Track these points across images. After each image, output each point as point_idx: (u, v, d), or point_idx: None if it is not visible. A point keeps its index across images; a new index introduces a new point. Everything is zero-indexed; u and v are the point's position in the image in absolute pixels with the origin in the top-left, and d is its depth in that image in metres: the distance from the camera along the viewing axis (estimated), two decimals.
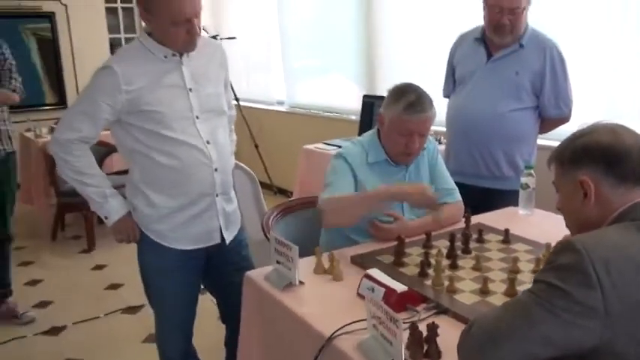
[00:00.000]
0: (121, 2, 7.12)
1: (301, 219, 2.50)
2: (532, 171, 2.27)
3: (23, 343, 3.12)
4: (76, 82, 6.91)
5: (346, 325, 1.41)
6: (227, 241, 2.08)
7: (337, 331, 1.40)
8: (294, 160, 4.26)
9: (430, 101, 2.03)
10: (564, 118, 2.62)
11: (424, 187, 2.00)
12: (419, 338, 1.30)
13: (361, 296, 1.59)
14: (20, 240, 4.75)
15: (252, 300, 1.79)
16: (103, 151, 4.95)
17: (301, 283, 1.69)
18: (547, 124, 2.66)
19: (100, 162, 4.91)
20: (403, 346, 1.23)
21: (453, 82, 2.78)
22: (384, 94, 4.27)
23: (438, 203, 2.01)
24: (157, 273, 2.04)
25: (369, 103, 3.95)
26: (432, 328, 1.30)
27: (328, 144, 3.91)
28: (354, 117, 4.76)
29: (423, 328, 1.31)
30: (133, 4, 7.15)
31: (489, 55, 2.60)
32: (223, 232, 2.06)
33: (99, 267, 4.20)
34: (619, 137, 1.19)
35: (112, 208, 1.98)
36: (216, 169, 1.98)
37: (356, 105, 4.75)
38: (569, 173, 1.23)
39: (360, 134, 3.94)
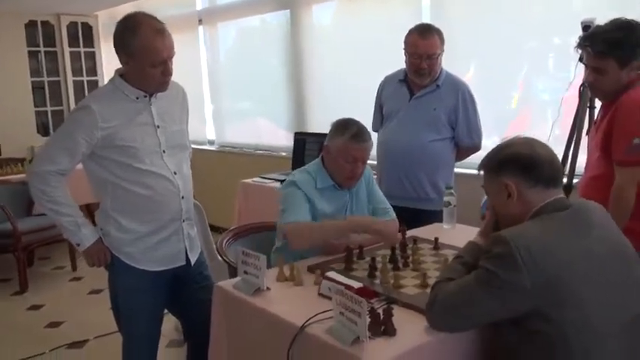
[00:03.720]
0: (43, 46, 7.11)
1: (251, 242, 2.75)
2: (452, 191, 2.66)
3: None
4: None
5: (315, 315, 1.67)
6: (192, 262, 2.28)
7: (308, 320, 1.65)
8: (228, 198, 4.48)
9: (368, 132, 2.38)
10: (476, 147, 3.06)
11: (387, 224, 2.35)
12: (377, 319, 1.59)
13: (322, 295, 1.86)
14: None
15: (222, 308, 2.00)
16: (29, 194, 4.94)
17: (268, 288, 1.93)
18: (462, 152, 3.09)
19: (30, 204, 4.90)
20: (366, 323, 1.51)
21: (380, 118, 3.16)
22: (315, 130, 4.63)
23: (397, 238, 2.29)
24: (127, 292, 2.20)
25: (301, 139, 4.28)
26: (388, 310, 1.59)
27: (265, 177, 4.18)
28: (284, 153, 5.07)
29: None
30: (56, 48, 7.18)
31: (411, 94, 3.01)
32: (189, 253, 2.27)
33: (35, 307, 4.16)
34: (534, 149, 1.58)
35: (84, 235, 2.14)
36: (182, 197, 2.21)
37: (286, 142, 5.08)
38: (496, 178, 1.59)
39: (293, 168, 4.27)
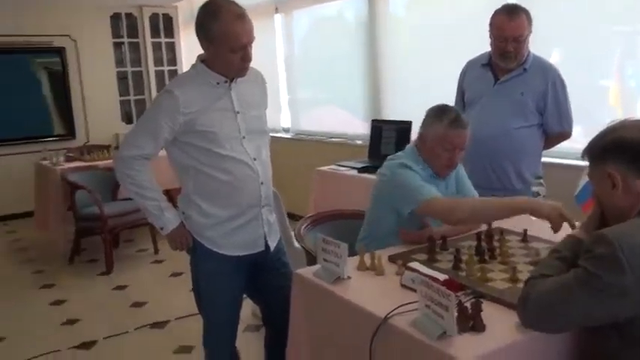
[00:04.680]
0: (127, 37, 7.39)
1: (329, 229, 2.71)
2: (542, 180, 2.51)
3: (59, 356, 3.26)
4: (85, 114, 7.13)
5: (400, 306, 1.62)
6: (271, 248, 2.29)
7: (391, 312, 1.61)
8: (304, 185, 4.48)
9: (466, 119, 2.27)
10: (566, 134, 2.89)
11: (560, 207, 1.98)
12: (465, 313, 1.51)
13: (405, 286, 1.81)
14: (38, 264, 4.93)
15: (301, 295, 1.99)
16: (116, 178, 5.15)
17: (348, 277, 1.90)
18: (550, 140, 2.92)
19: (115, 188, 5.13)
20: (454, 318, 1.44)
21: (462, 104, 3.04)
22: (391, 118, 4.55)
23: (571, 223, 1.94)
24: (208, 276, 2.23)
25: (378, 127, 4.21)
26: (477, 304, 1.52)
27: (340, 165, 4.15)
28: (360, 141, 5.01)
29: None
30: (139, 39, 7.44)
31: (496, 79, 2.87)
32: (268, 239, 2.27)
33: (120, 287, 4.35)
34: None
35: (167, 219, 2.18)
36: (262, 183, 2.21)
37: (362, 130, 5.03)
38: (599, 166, 1.47)
39: (369, 157, 4.22)
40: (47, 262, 5.01)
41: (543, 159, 2.98)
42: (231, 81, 2.15)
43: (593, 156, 1.50)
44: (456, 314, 1.46)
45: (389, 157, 2.42)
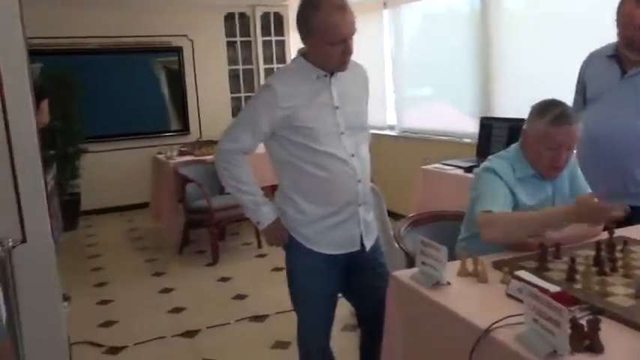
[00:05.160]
0: (240, 36, 7.62)
1: (430, 231, 2.58)
2: None
3: (164, 342, 3.40)
4: (199, 110, 7.45)
5: (504, 318, 1.47)
6: (367, 248, 2.21)
7: (494, 324, 1.47)
8: (407, 184, 4.35)
9: (575, 115, 2.07)
10: None
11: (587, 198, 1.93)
12: (580, 331, 1.34)
13: (510, 296, 1.66)
14: (151, 253, 5.20)
15: (397, 298, 1.89)
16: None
17: (448, 283, 1.77)
18: None
19: (221, 185, 5.28)
20: (567, 335, 1.28)
21: (582, 100, 2.78)
22: (502, 115, 4.32)
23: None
24: (302, 273, 2.19)
25: (488, 124, 3.99)
26: (595, 322, 1.34)
27: (446, 164, 3.98)
28: (468, 140, 4.80)
29: None
30: (251, 38, 7.65)
31: (623, 72, 2.59)
32: (364, 239, 2.19)
33: (224, 279, 4.48)
34: None
35: (263, 214, 2.17)
36: (359, 181, 2.13)
37: (469, 128, 4.81)
38: None
39: (478, 155, 4.00)
40: (159, 251, 5.28)
41: None
42: (331, 75, 2.09)
43: None
44: (569, 331, 1.30)
45: (491, 156, 2.26)
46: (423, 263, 1.84)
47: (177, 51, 7.23)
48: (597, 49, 2.76)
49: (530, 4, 4.46)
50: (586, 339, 1.34)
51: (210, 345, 3.34)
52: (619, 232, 2.11)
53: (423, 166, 4.09)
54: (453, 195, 3.55)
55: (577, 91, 2.82)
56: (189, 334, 3.49)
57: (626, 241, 1.93)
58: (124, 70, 6.98)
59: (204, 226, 4.99)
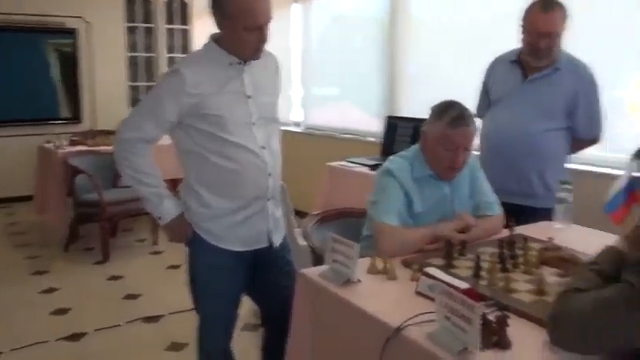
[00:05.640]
0: (141, 22, 7.24)
1: (338, 227, 2.53)
2: (569, 186, 2.33)
3: (45, 347, 3.10)
4: (93, 98, 6.99)
5: (415, 316, 1.44)
6: (275, 245, 2.12)
7: (405, 322, 1.43)
8: (312, 181, 4.31)
9: (472, 116, 2.10)
10: (594, 140, 2.70)
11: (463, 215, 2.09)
12: (489, 328, 1.33)
13: (420, 294, 1.63)
14: (34, 250, 4.78)
15: (306, 297, 1.81)
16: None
17: (359, 280, 1.72)
18: (578, 144, 2.73)
19: (116, 175, 4.98)
20: (479, 332, 1.26)
21: (487, 103, 2.85)
22: (406, 115, 4.39)
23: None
24: (206, 271, 2.06)
25: (393, 123, 4.03)
26: (502, 318, 1.34)
27: (352, 161, 3.97)
28: (372, 139, 4.84)
29: None
30: (153, 25, 7.30)
31: (525, 77, 2.68)
32: (272, 235, 2.10)
33: (114, 277, 4.19)
34: None
35: (165, 208, 2.01)
36: (269, 174, 2.03)
37: (374, 128, 4.85)
38: None
39: (382, 154, 4.04)
40: (43, 247, 4.86)
41: (570, 165, 2.79)
42: (245, 63, 1.98)
43: None
44: (480, 328, 1.28)
45: (392, 156, 2.25)
46: (334, 260, 1.78)
47: (72, 33, 6.74)
48: (501, 55, 2.84)
49: (434, 12, 4.58)
50: (494, 335, 1.34)
51: (98, 349, 3.09)
52: (518, 230, 2.18)
53: (329, 163, 4.06)
54: (358, 192, 3.52)
55: (481, 94, 2.90)
56: (75, 337, 3.22)
57: (525, 238, 1.98)
58: (9, 51, 6.39)
59: (95, 221, 4.65)
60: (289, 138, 5.84)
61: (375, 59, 4.99)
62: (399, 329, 1.42)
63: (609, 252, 1.40)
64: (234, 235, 2.02)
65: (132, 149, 1.95)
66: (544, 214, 2.46)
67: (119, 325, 3.36)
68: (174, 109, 1.91)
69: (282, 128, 6.07)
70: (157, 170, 2.02)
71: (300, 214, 4.38)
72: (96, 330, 3.29)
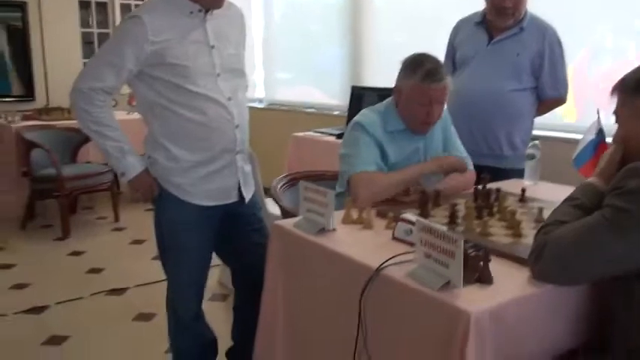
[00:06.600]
0: None
1: None
2: (537, 142, 2.36)
3: (4, 320, 2.98)
4: (45, 75, 6.71)
5: (395, 256, 1.43)
6: (246, 199, 2.07)
7: (385, 262, 1.42)
8: (278, 157, 4.25)
9: (445, 68, 2.09)
10: (560, 100, 2.74)
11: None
12: (471, 264, 1.33)
13: (397, 239, 1.62)
14: None
15: (279, 250, 1.78)
16: (76, 140, 4.85)
17: (334, 229, 1.70)
18: (544, 105, 2.76)
19: (75, 150, 4.83)
20: (462, 265, 1.25)
21: (452, 65, 2.86)
22: (372, 85, 4.34)
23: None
24: (174, 228, 2.00)
25: (358, 94, 4.01)
26: (485, 253, 1.34)
27: (318, 131, 3.94)
28: (337, 112, 4.81)
29: None
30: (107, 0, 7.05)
31: (490, 38, 2.69)
32: (242, 189, 2.05)
33: (76, 253, 4.06)
34: None
35: (129, 163, 1.94)
36: (237, 126, 1.99)
37: (337, 101, 4.82)
38: (631, 100, 1.30)
39: (348, 124, 4.01)
40: None
41: (536, 131, 2.83)
42: (207, 12, 1.92)
43: (625, 89, 1.33)
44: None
45: (364, 109, 2.24)
46: (308, 210, 1.75)
47: (21, 6, 6.44)
48: (466, 17, 2.84)
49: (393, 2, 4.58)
50: (476, 272, 1.34)
51: (60, 321, 2.98)
52: (489, 186, 2.19)
53: (295, 134, 4.01)
54: (325, 161, 3.51)
55: (447, 56, 2.89)
56: (36, 310, 3.09)
57: (498, 189, 2.00)
58: None
59: (53, 197, 4.48)
60: (253, 115, 5.77)
61: (338, 26, 4.93)
62: (378, 270, 1.40)
63: (586, 187, 1.42)
64: (203, 189, 1.96)
65: (92, 100, 1.87)
66: (514, 176, 2.49)
67: (82, 298, 3.25)
68: (135, 57, 1.84)
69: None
70: (118, 124, 1.95)
71: (267, 191, 4.35)
72: (57, 303, 3.17)
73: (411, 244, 1.46)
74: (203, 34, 1.92)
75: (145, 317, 3.00)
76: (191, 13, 1.90)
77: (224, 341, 2.29)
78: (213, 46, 1.94)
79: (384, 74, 4.36)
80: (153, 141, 1.96)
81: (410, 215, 1.66)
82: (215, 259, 2.17)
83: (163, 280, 2.15)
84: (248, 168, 2.10)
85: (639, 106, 1.29)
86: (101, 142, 1.93)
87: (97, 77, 1.88)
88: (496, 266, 1.39)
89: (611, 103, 1.39)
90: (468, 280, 1.30)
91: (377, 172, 2.01)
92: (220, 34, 1.97)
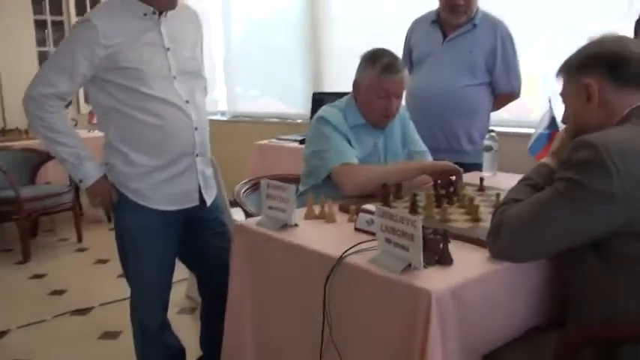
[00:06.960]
0: (50, 15, 6.88)
1: None
2: (494, 134, 2.40)
3: None
4: (1, 96, 6.57)
5: (357, 244, 1.43)
6: (208, 203, 2.05)
7: (347, 250, 1.41)
8: (242, 167, 4.23)
9: (402, 63, 2.13)
10: (514, 94, 2.80)
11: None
12: (432, 246, 1.34)
13: (360, 230, 1.62)
14: None
15: (243, 250, 1.76)
16: (35, 160, 4.74)
17: (296, 225, 1.69)
18: (499, 100, 2.83)
19: (34, 171, 4.72)
20: (421, 246, 1.26)
21: (409, 64, 2.90)
22: (333, 90, 4.37)
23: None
24: (134, 234, 1.96)
25: (319, 99, 4.02)
26: (444, 235, 1.35)
27: (281, 139, 3.94)
28: (300, 120, 4.82)
29: None
30: (64, 17, 6.96)
31: (445, 36, 2.75)
32: (203, 193, 2.03)
33: (38, 276, 3.93)
34: (624, 44, 1.31)
35: (87, 170, 1.91)
36: (196, 129, 1.97)
37: (301, 110, 4.84)
38: (575, 79, 1.34)
39: None
40: None
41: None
42: (161, 14, 1.91)
43: (569, 69, 1.37)
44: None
45: (324, 106, 2.25)
46: (270, 207, 1.74)
47: None
48: (420, 16, 2.90)
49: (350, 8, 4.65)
50: (436, 254, 1.35)
51: (23, 344, 2.88)
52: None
53: (257, 142, 4.00)
54: (288, 167, 3.51)
55: (403, 56, 2.93)
56: None
57: (457, 180, 2.02)
58: None
59: (11, 220, 4.36)
60: (216, 127, 5.73)
61: (298, 55, 4.98)
62: (341, 258, 1.40)
63: (541, 168, 1.45)
64: (162, 193, 1.94)
65: (44, 106, 1.84)
66: (474, 170, 2.52)
67: (45, 321, 3.15)
68: (88, 62, 1.82)
69: (209, 118, 5.85)
70: (73, 130, 1.92)
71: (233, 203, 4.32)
72: (19, 327, 3.07)
73: (373, 234, 1.47)
74: (158, 37, 1.91)
75: (110, 335, 2.93)
76: (145, 15, 1.89)
77: (193, 353, 2.25)
78: (168, 49, 1.92)
79: (343, 80, 4.40)
80: (109, 146, 1.93)
81: (371, 206, 1.66)
82: (183, 273, 2.13)
83: (128, 298, 2.10)
84: (209, 171, 2.08)
85: (583, 84, 1.32)
86: (56, 149, 1.89)
87: (48, 82, 1.85)
88: (456, 249, 1.41)
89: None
90: (428, 262, 1.32)
91: (359, 165, 2.03)
92: (175, 36, 1.96)
